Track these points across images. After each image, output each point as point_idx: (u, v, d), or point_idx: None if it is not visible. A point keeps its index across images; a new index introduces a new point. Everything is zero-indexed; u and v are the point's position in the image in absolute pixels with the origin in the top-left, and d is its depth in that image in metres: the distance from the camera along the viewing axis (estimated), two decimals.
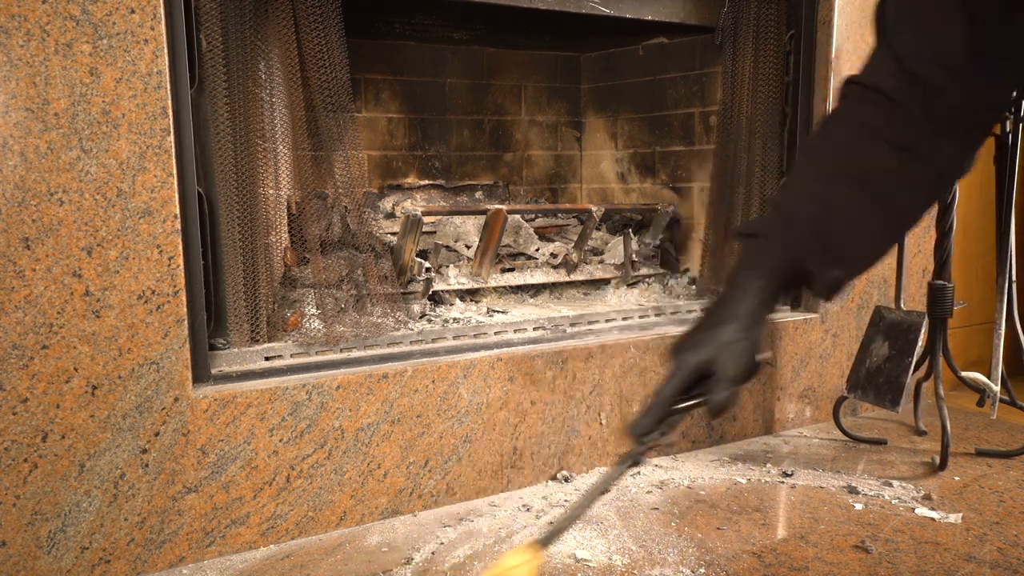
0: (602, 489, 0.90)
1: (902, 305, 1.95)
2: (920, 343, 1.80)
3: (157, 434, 1.30)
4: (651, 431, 0.87)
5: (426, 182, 2.31)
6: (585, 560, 1.35)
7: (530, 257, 2.07)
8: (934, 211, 1.90)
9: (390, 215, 2.08)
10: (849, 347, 2.12)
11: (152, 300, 1.27)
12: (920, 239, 2.17)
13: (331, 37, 1.46)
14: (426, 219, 1.76)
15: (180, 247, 1.29)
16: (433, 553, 1.38)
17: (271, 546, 1.41)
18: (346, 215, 1.65)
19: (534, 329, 1.76)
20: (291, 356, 1.49)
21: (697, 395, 0.85)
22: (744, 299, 0.84)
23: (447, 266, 1.88)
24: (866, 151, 0.83)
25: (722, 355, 0.83)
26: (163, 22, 1.24)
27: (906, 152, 0.81)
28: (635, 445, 0.87)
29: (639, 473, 1.74)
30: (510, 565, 0.87)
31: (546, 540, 0.89)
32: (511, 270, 1.96)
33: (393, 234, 1.82)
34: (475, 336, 1.68)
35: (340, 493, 1.47)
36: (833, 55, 1.96)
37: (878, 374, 1.84)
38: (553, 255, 2.06)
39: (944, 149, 0.79)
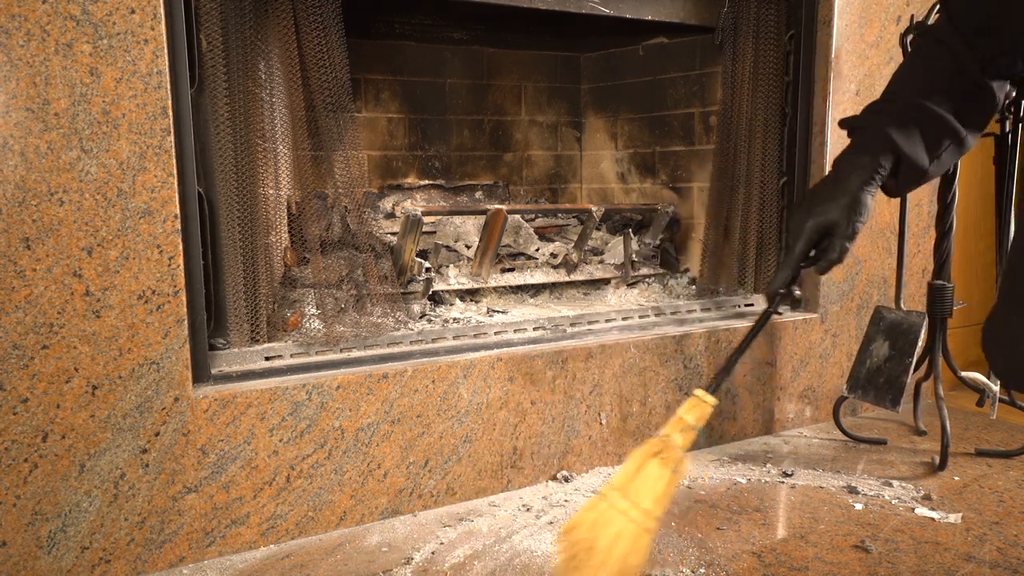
0: (749, 340, 1.12)
1: (902, 305, 1.95)
2: (920, 343, 1.80)
3: (157, 434, 1.30)
4: (782, 287, 1.10)
5: (426, 182, 2.31)
6: None
7: (530, 257, 2.07)
8: (934, 210, 1.90)
9: (390, 215, 2.08)
10: (849, 347, 2.12)
11: (152, 300, 1.27)
12: (920, 239, 2.17)
13: (331, 37, 1.46)
14: (426, 219, 1.76)
15: (180, 247, 1.29)
16: (433, 553, 1.38)
17: (271, 546, 1.42)
18: (346, 215, 1.65)
19: (534, 329, 1.76)
20: (291, 356, 1.49)
21: (819, 252, 1.08)
22: (854, 173, 1.04)
23: (447, 266, 1.88)
24: (946, 75, 1.04)
25: (840, 219, 1.04)
26: (163, 22, 1.24)
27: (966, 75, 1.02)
28: (770, 300, 1.11)
29: None
30: (686, 411, 1.06)
31: (713, 388, 1.08)
32: (511, 270, 1.96)
33: (393, 234, 1.82)
34: (475, 336, 1.68)
35: (340, 493, 1.47)
36: (833, 55, 1.96)
37: (878, 374, 1.84)
38: (553, 255, 2.06)
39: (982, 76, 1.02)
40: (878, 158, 1.05)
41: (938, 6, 1.08)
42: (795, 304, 2.09)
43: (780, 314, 1.13)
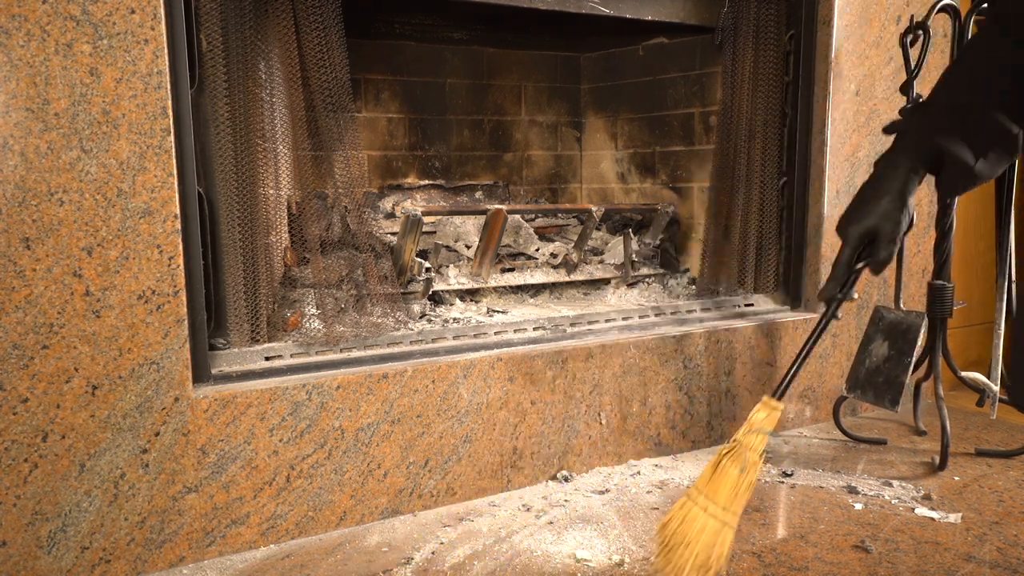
0: (812, 343, 1.16)
1: (901, 305, 1.95)
2: (919, 343, 1.80)
3: (157, 434, 1.30)
4: (837, 292, 1.13)
5: (426, 182, 2.31)
6: (585, 560, 1.35)
7: (530, 257, 2.07)
8: (934, 210, 1.90)
9: (390, 215, 2.08)
10: (849, 347, 2.12)
11: (152, 300, 1.28)
12: (920, 239, 2.17)
13: (331, 37, 1.46)
14: (426, 219, 1.76)
15: (180, 247, 1.29)
16: (433, 553, 1.38)
17: (271, 546, 1.42)
18: (346, 215, 1.65)
19: (534, 329, 1.76)
20: (291, 356, 1.49)
21: (866, 256, 1.11)
22: (895, 177, 1.06)
23: (447, 266, 1.88)
24: (989, 66, 1.03)
25: (883, 223, 1.07)
26: (163, 22, 1.24)
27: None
28: (827, 305, 1.15)
29: (639, 473, 1.74)
30: (757, 419, 1.14)
31: (779, 393, 1.15)
32: (511, 270, 1.96)
33: (393, 234, 1.82)
34: (475, 336, 1.68)
35: (340, 493, 1.47)
36: (833, 55, 1.96)
37: (877, 374, 1.84)
38: (553, 255, 2.06)
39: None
40: (916, 159, 1.06)
41: (983, 9, 1.08)
42: (795, 304, 2.09)
43: (838, 319, 1.18)
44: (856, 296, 1.18)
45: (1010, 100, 1.01)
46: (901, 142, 1.09)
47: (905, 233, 1.11)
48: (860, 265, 1.13)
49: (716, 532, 1.10)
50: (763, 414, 1.14)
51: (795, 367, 1.17)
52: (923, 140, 1.05)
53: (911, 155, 1.07)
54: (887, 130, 1.15)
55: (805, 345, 1.17)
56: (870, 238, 1.10)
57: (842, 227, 1.12)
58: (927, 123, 1.06)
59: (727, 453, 1.13)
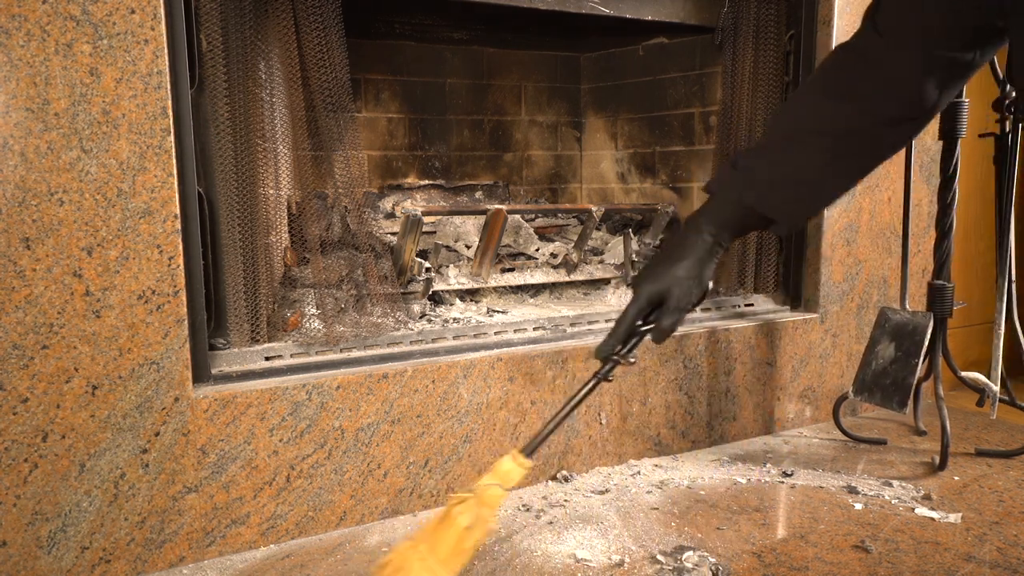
0: (573, 406, 1.08)
1: (907, 306, 1.95)
2: (926, 344, 1.80)
3: (157, 434, 1.30)
4: (614, 350, 1.06)
5: (426, 182, 2.31)
6: (585, 560, 1.35)
7: (530, 257, 2.07)
8: (934, 211, 1.90)
9: (390, 215, 2.08)
10: (848, 347, 2.12)
11: (152, 300, 1.28)
12: (920, 239, 2.17)
13: (331, 37, 1.46)
14: (426, 219, 1.76)
15: (180, 247, 1.29)
16: None
17: (271, 546, 1.42)
18: (346, 215, 1.65)
19: (534, 329, 1.76)
20: (291, 356, 1.49)
21: (651, 320, 1.05)
22: (697, 244, 1.03)
23: (447, 266, 1.88)
24: (817, 106, 1.01)
25: (673, 288, 1.02)
26: (163, 22, 1.24)
27: (853, 92, 0.98)
28: (603, 363, 1.06)
29: (639, 473, 1.74)
30: (501, 472, 1.05)
31: (529, 451, 1.06)
32: (511, 270, 1.96)
33: (393, 234, 1.82)
34: (475, 336, 1.68)
35: (340, 493, 1.47)
36: None
37: (884, 376, 1.84)
38: (553, 255, 2.06)
39: (899, 59, 0.96)
40: (722, 226, 1.03)
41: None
42: (795, 304, 2.09)
43: (610, 381, 1.09)
44: (634, 361, 1.08)
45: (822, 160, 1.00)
46: (713, 205, 1.05)
47: (696, 304, 1.06)
48: (644, 329, 1.07)
49: None
50: (508, 468, 1.05)
51: (553, 426, 1.08)
52: (729, 203, 1.02)
53: (718, 223, 1.03)
54: (705, 189, 1.11)
55: (567, 403, 1.08)
56: (660, 301, 1.04)
57: (636, 282, 1.07)
58: (744, 190, 1.03)
59: (458, 504, 1.03)
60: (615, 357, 1.06)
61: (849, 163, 1.02)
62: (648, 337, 1.07)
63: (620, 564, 1.34)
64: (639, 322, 1.06)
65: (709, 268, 1.04)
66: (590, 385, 1.08)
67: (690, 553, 1.36)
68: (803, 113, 1.04)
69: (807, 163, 1.02)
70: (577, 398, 1.08)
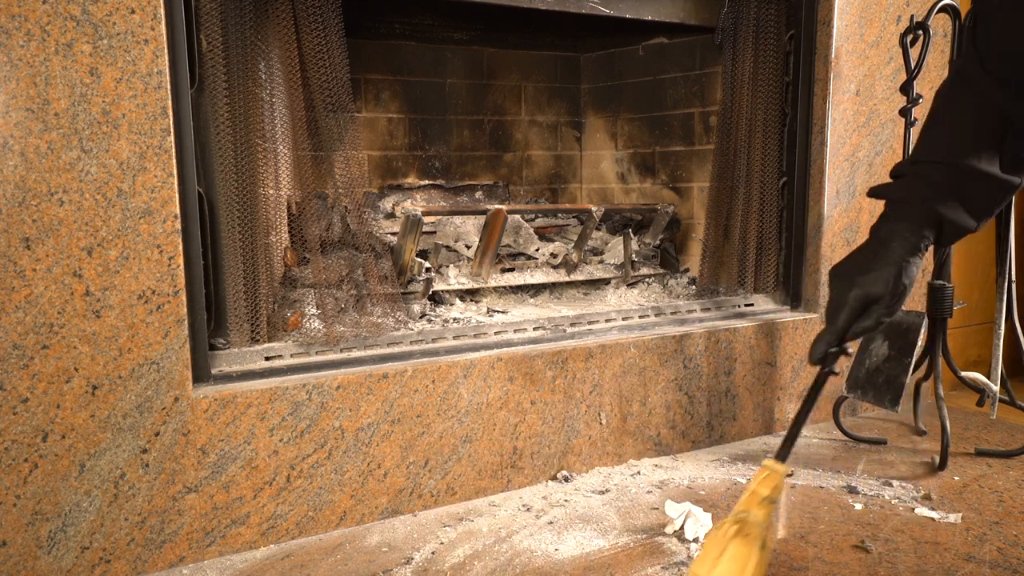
0: (808, 408, 1.11)
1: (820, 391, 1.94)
2: (919, 343, 1.80)
3: (157, 434, 1.30)
4: (826, 356, 1.09)
5: (426, 182, 2.31)
6: (585, 560, 1.35)
7: (530, 257, 2.07)
8: None
9: (390, 215, 2.08)
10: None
11: (152, 300, 1.28)
12: None
13: (331, 37, 1.46)
14: (426, 219, 1.76)
15: (180, 247, 1.29)
16: (433, 553, 1.38)
17: (271, 546, 1.42)
18: (346, 215, 1.65)
19: (534, 329, 1.76)
20: (291, 356, 1.49)
21: (862, 322, 1.07)
22: (897, 244, 1.04)
23: (447, 266, 1.88)
24: (978, 113, 1.03)
25: (884, 292, 1.04)
26: (163, 22, 1.24)
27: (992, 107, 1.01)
28: (823, 363, 1.10)
29: (639, 473, 1.74)
30: (758, 483, 1.05)
31: (782, 455, 1.08)
32: (511, 270, 1.96)
33: (393, 234, 1.82)
34: (475, 336, 1.68)
35: (340, 493, 1.47)
36: (833, 55, 1.96)
37: (878, 374, 1.84)
38: (553, 255, 2.06)
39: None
40: (922, 230, 1.04)
41: (966, 44, 1.07)
42: (795, 304, 2.09)
43: (836, 374, 1.13)
44: (851, 352, 1.12)
45: (999, 146, 1.01)
46: (901, 211, 1.07)
47: (900, 305, 1.07)
48: (856, 329, 1.09)
49: None
50: (767, 482, 1.04)
51: (797, 427, 1.10)
52: (923, 211, 1.04)
53: (915, 228, 1.05)
54: (874, 194, 1.12)
55: (804, 404, 1.11)
56: (868, 304, 1.06)
57: (838, 288, 1.08)
58: (924, 192, 1.04)
59: (732, 532, 1.00)
60: (834, 350, 1.09)
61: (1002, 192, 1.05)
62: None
63: (620, 564, 1.34)
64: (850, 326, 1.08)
65: (916, 263, 1.05)
66: (819, 386, 1.10)
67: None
68: (957, 128, 1.06)
69: (978, 193, 1.04)
70: (812, 397, 1.11)
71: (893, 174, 1.11)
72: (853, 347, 1.11)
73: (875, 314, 1.05)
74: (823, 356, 1.09)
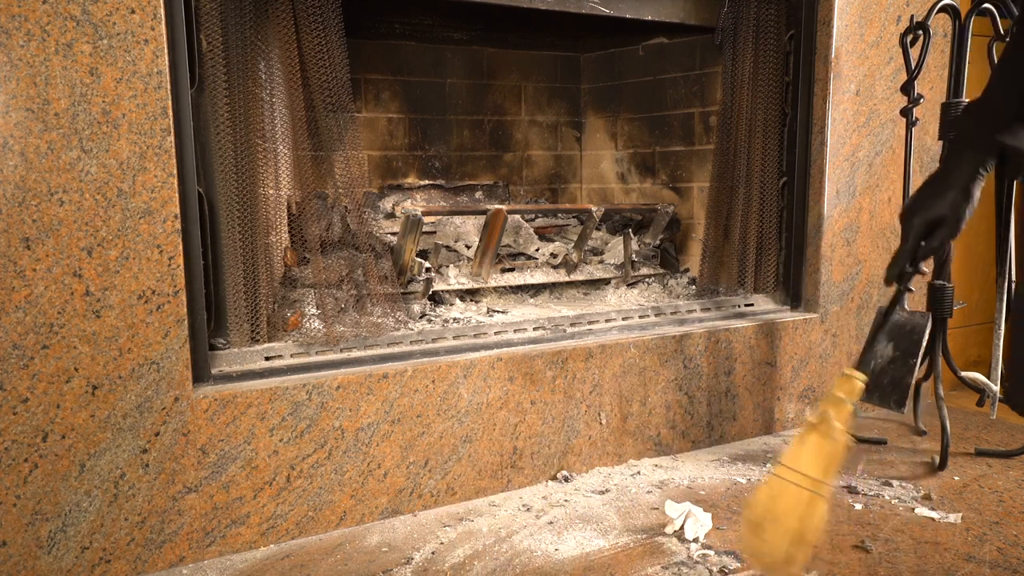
0: (886, 318, 1.31)
1: (906, 305, 1.94)
2: (925, 344, 1.80)
3: (157, 434, 1.30)
4: (902, 274, 1.18)
5: (426, 182, 2.31)
6: (585, 560, 1.35)
7: (530, 257, 2.07)
8: None
9: (390, 215, 2.08)
10: (848, 347, 2.12)
11: (152, 300, 1.28)
12: None
13: (331, 37, 1.46)
14: (426, 219, 1.76)
15: (180, 247, 1.29)
16: (433, 553, 1.38)
17: (271, 546, 1.42)
18: (346, 215, 1.65)
19: (534, 329, 1.76)
20: (291, 356, 1.49)
21: (931, 242, 1.14)
22: (963, 169, 1.11)
23: (447, 266, 1.88)
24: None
25: (949, 214, 1.11)
26: (163, 22, 1.24)
27: None
28: (899, 281, 1.20)
29: (639, 473, 1.74)
30: (837, 387, 1.15)
31: (861, 365, 1.19)
32: (511, 270, 1.96)
33: (393, 234, 1.82)
34: (475, 336, 1.68)
35: (340, 493, 1.47)
36: (833, 55, 1.96)
37: (883, 375, 1.84)
38: (553, 255, 2.06)
39: None
40: (984, 157, 1.11)
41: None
42: (795, 304, 2.09)
43: (912, 291, 1.25)
44: (927, 271, 1.24)
45: None
46: (969, 134, 1.14)
47: (963, 225, 1.14)
48: (922, 249, 1.17)
49: (808, 504, 1.08)
50: (845, 385, 1.14)
51: (873, 339, 1.28)
52: (983, 136, 1.11)
53: (979, 150, 1.11)
54: (943, 135, 1.19)
55: (883, 316, 1.28)
56: (933, 227, 1.13)
57: (906, 216, 1.15)
58: (987, 120, 1.11)
59: (815, 426, 1.12)
60: (909, 270, 1.18)
61: None
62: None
63: (620, 564, 1.34)
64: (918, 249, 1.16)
65: (977, 191, 1.11)
66: (897, 299, 1.24)
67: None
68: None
69: None
70: (890, 310, 1.27)
71: (965, 108, 1.17)
72: (927, 266, 1.23)
73: (940, 235, 1.13)
74: (899, 274, 1.19)
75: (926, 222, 1.13)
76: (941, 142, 1.84)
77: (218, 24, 1.35)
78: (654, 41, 2.31)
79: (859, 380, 1.14)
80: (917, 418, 2.04)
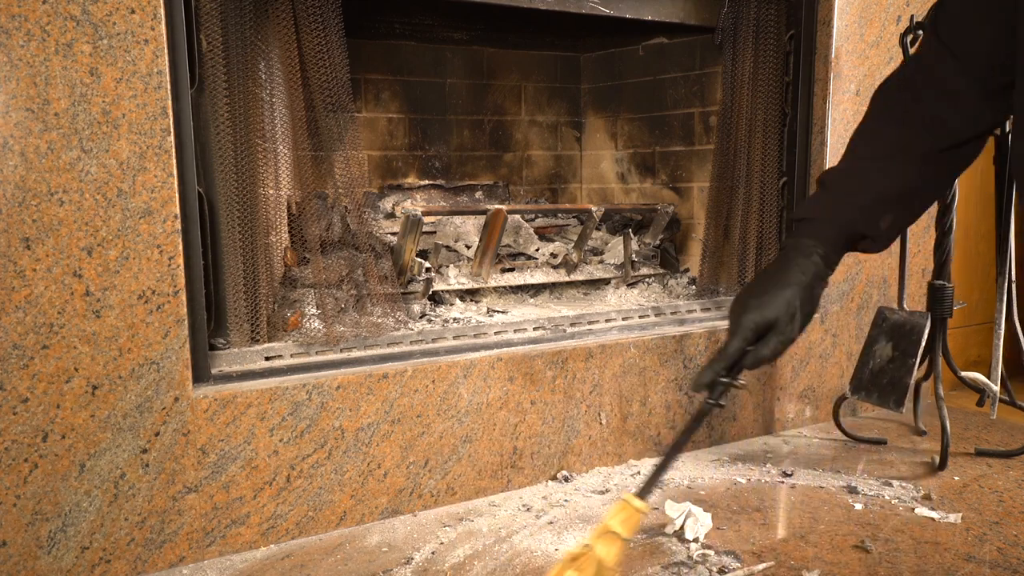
0: (682, 443, 1.00)
1: (905, 305, 1.94)
2: (924, 344, 1.80)
3: (157, 434, 1.30)
4: (718, 376, 0.97)
5: (426, 182, 2.31)
6: None
7: (530, 257, 2.07)
8: (934, 210, 1.90)
9: (390, 215, 2.08)
10: (848, 347, 2.12)
11: (152, 300, 1.28)
12: (920, 239, 2.17)
13: (331, 37, 1.46)
14: (426, 219, 1.76)
15: (180, 247, 1.29)
16: (433, 553, 1.38)
17: (271, 546, 1.42)
18: (346, 215, 1.65)
19: (534, 329, 1.76)
20: (291, 356, 1.49)
21: (760, 351, 0.96)
22: (804, 267, 0.96)
23: (447, 266, 1.88)
24: (894, 132, 0.99)
25: (782, 317, 0.94)
26: (163, 22, 1.24)
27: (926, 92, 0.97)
28: (709, 390, 0.98)
29: (639, 473, 1.74)
30: (611, 516, 0.96)
31: (643, 492, 0.96)
32: (511, 270, 1.96)
33: (393, 234, 1.82)
34: (475, 336, 1.68)
35: (340, 493, 1.47)
36: (833, 55, 1.96)
37: (882, 375, 1.84)
38: (553, 255, 2.06)
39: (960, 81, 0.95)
40: (831, 246, 0.98)
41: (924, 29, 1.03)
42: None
43: (722, 406, 0.98)
44: (744, 384, 1.01)
45: (928, 153, 0.98)
46: (813, 228, 1.00)
47: (801, 331, 0.97)
48: (747, 359, 0.97)
49: None
50: (622, 515, 0.96)
51: (665, 463, 0.99)
52: (839, 229, 0.98)
53: (824, 244, 0.97)
54: (795, 218, 1.05)
55: (680, 436, 1.01)
56: (766, 330, 0.95)
57: (735, 312, 0.97)
58: (827, 204, 1.00)
59: (575, 561, 0.94)
60: (724, 380, 0.97)
61: (933, 183, 1.02)
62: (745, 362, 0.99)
63: (619, 564, 1.34)
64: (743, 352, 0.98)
65: (819, 292, 0.97)
66: (700, 418, 1.00)
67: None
68: (881, 138, 1.02)
69: (897, 185, 0.99)
70: (691, 429, 1.01)
71: (818, 180, 1.06)
72: (746, 379, 1.01)
73: (772, 344, 0.94)
74: (710, 383, 0.97)
75: (756, 325, 0.94)
76: None
77: (218, 24, 1.35)
78: (654, 41, 2.31)
79: (641, 512, 0.96)
80: (917, 418, 2.04)
